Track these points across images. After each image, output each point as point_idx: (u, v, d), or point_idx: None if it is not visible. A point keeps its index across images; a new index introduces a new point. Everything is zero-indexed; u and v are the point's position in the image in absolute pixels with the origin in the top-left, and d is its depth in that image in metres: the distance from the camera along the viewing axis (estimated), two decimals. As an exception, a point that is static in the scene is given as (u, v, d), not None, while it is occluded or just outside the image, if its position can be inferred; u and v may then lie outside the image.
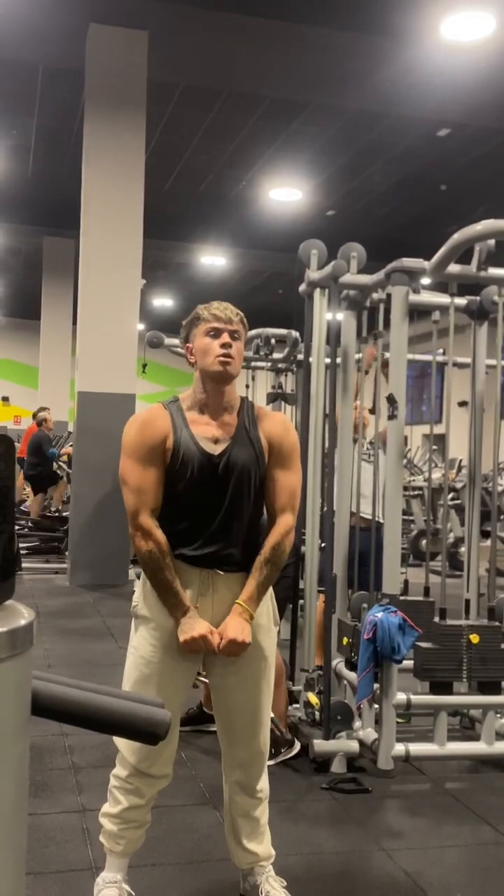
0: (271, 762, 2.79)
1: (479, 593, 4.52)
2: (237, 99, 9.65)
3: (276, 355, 7.09)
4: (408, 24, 7.83)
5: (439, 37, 7.90)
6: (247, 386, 7.30)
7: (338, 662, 4.27)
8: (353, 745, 3.86)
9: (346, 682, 4.26)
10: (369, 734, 3.86)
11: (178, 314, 19.79)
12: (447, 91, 8.92)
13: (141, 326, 9.38)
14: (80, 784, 3.65)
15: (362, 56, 8.57)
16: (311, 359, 4.52)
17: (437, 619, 3.97)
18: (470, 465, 4.58)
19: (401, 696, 3.84)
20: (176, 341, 7.36)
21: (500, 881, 3.03)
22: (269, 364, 7.22)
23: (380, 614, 3.70)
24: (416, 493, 11.74)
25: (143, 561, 2.51)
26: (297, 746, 3.99)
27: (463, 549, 5.28)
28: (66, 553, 9.29)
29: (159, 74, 8.64)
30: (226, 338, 2.55)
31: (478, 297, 4.49)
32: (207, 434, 2.55)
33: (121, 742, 2.55)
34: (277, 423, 2.65)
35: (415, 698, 3.91)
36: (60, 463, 12.47)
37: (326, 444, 4.36)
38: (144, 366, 8.96)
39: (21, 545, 10.14)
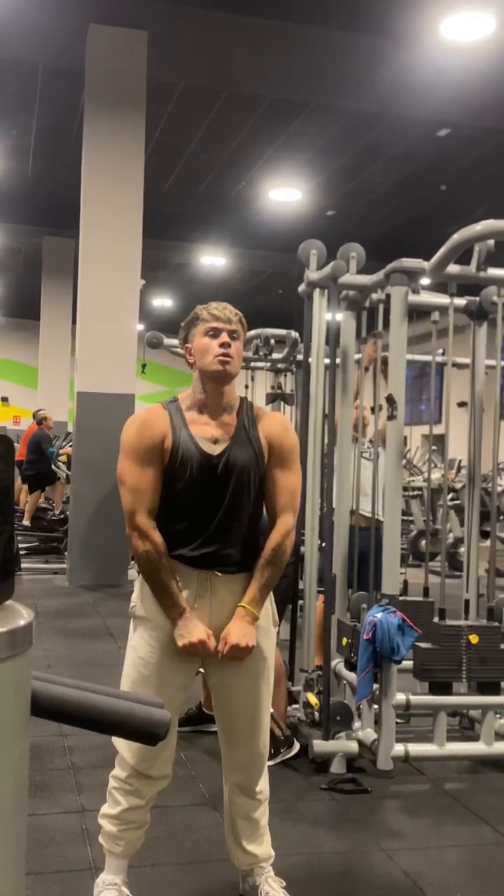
0: (271, 762, 2.79)
1: (479, 594, 4.52)
2: (237, 99, 9.65)
3: (275, 355, 7.09)
4: (407, 24, 7.83)
5: (439, 37, 7.90)
6: (246, 386, 7.30)
7: (337, 663, 4.27)
8: (353, 746, 3.86)
9: (345, 682, 4.26)
10: (369, 734, 3.86)
11: (177, 314, 19.80)
12: (447, 91, 8.92)
13: (140, 327, 9.38)
14: (79, 784, 3.65)
15: (362, 56, 8.57)
16: (310, 359, 4.53)
17: (436, 619, 3.97)
18: (469, 465, 4.58)
19: (400, 697, 3.84)
20: (175, 341, 7.35)
21: (499, 881, 3.03)
22: (269, 364, 7.22)
23: (379, 615, 3.70)
24: (415, 493, 11.74)
25: (140, 561, 2.51)
26: (297, 747, 3.99)
27: (462, 550, 5.28)
28: (66, 553, 9.29)
29: (159, 74, 8.65)
30: (225, 337, 2.55)
31: (477, 298, 4.49)
32: (206, 434, 2.54)
33: (120, 743, 2.55)
34: (277, 424, 2.65)
35: (414, 699, 3.91)
36: (59, 463, 12.47)
37: (326, 445, 4.36)
38: (144, 366, 8.97)
39: (20, 545, 10.14)
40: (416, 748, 3.84)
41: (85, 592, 8.13)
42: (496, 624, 4.00)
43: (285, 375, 7.33)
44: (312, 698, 4.07)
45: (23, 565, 9.33)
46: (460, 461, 13.40)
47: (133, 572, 8.33)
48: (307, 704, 4.10)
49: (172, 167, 11.88)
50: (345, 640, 4.12)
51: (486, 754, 3.96)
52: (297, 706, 4.24)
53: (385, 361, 4.14)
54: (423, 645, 3.86)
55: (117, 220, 8.53)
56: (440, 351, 5.49)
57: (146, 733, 1.16)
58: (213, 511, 2.52)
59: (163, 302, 20.79)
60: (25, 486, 12.59)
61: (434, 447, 12.51)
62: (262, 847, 2.71)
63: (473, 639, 3.85)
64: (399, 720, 3.99)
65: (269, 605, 2.64)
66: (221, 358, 2.52)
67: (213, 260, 16.10)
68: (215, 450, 2.53)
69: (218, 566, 2.53)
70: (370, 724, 3.89)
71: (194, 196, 13.09)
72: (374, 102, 9.38)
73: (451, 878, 3.02)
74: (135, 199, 8.57)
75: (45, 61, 9.00)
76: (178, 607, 2.47)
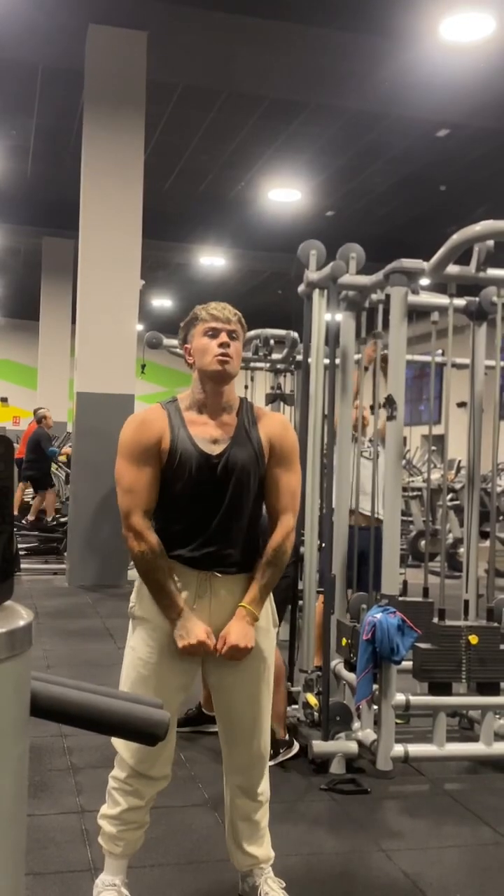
0: (270, 762, 2.79)
1: (478, 594, 4.52)
2: (237, 99, 9.65)
3: (275, 356, 7.09)
4: (407, 24, 7.84)
5: (439, 37, 7.90)
6: (246, 387, 7.30)
7: (337, 663, 4.27)
8: (352, 746, 3.86)
9: (345, 682, 4.26)
10: (368, 735, 3.86)
11: (177, 315, 19.79)
12: (447, 91, 8.93)
13: (140, 327, 9.38)
14: (79, 785, 3.65)
15: (362, 56, 8.58)
16: (310, 359, 4.53)
17: (436, 619, 3.97)
18: (469, 465, 4.58)
19: (400, 697, 3.84)
20: (175, 342, 7.36)
21: (499, 882, 3.03)
22: (268, 365, 7.22)
23: (379, 615, 3.70)
24: (414, 493, 11.75)
25: (136, 561, 2.51)
26: (296, 747, 3.99)
27: (462, 550, 5.28)
28: (65, 554, 9.29)
29: (159, 75, 8.65)
30: (224, 337, 2.54)
31: (477, 298, 4.49)
32: (206, 434, 2.54)
33: (119, 744, 2.54)
34: (277, 424, 2.65)
35: (414, 699, 3.91)
36: (59, 463, 12.47)
37: (325, 445, 4.36)
38: (143, 366, 8.96)
39: (20, 546, 10.14)
40: (415, 749, 3.84)
41: (84, 593, 8.13)
42: (496, 624, 4.00)
43: (285, 376, 7.33)
44: (312, 699, 4.07)
45: (22, 566, 9.33)
46: (460, 461, 13.42)
47: (132, 573, 8.32)
48: (307, 705, 4.10)
49: (172, 167, 11.88)
50: (344, 641, 4.12)
51: (485, 755, 3.96)
52: (296, 706, 4.24)
53: (385, 359, 4.14)
54: (422, 645, 3.86)
55: (117, 220, 8.53)
56: (440, 351, 5.49)
57: (145, 734, 1.16)
58: (212, 511, 2.52)
59: (162, 302, 20.80)
60: (21, 485, 12.59)
61: (433, 447, 12.51)
62: (263, 848, 2.71)
63: (473, 639, 3.85)
64: (398, 721, 3.99)
65: (269, 605, 2.64)
66: (220, 358, 2.52)
67: (212, 260, 16.10)
68: (215, 450, 2.52)
69: (217, 567, 2.53)
70: (370, 724, 3.89)
71: (194, 196, 13.10)
72: (374, 103, 9.38)
73: (451, 879, 3.02)
74: (134, 200, 8.57)
75: (44, 61, 9.00)
76: (175, 607, 2.47)
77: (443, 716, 3.86)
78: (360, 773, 3.84)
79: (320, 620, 4.32)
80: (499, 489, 9.28)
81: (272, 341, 6.91)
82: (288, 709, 4.18)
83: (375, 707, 3.85)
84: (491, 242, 3.90)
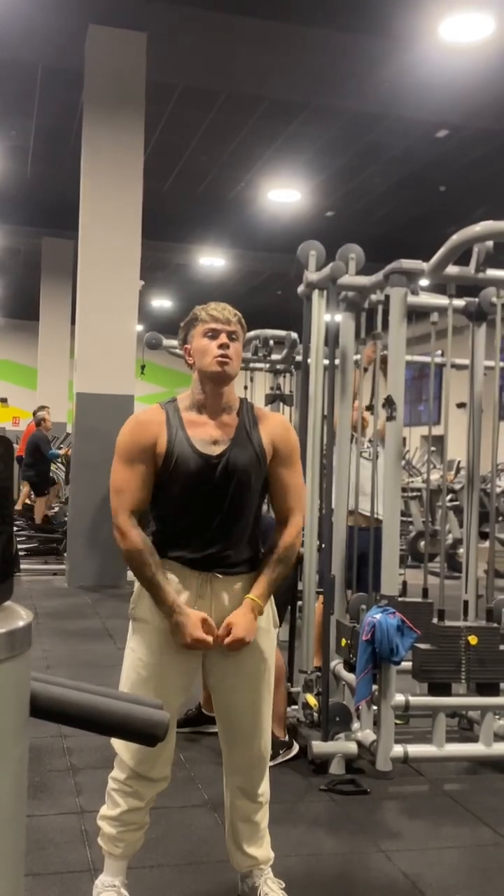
0: (270, 763, 2.79)
1: (478, 595, 4.52)
2: (236, 100, 9.65)
3: (274, 356, 7.09)
4: (407, 25, 7.84)
5: (438, 38, 7.91)
6: (245, 387, 7.30)
7: (336, 664, 4.27)
8: (352, 747, 3.86)
9: (344, 683, 4.26)
10: (368, 735, 3.86)
11: (176, 315, 19.77)
12: (446, 92, 8.93)
13: (140, 327, 9.38)
14: (78, 785, 3.65)
15: (361, 57, 8.58)
16: (309, 360, 4.53)
17: (435, 620, 3.97)
18: (468, 466, 4.58)
19: (399, 698, 3.83)
20: (174, 342, 7.36)
21: (499, 882, 3.03)
22: (268, 365, 7.22)
23: (378, 615, 3.70)
24: (414, 494, 11.75)
25: (125, 560, 2.53)
26: (296, 748, 3.99)
27: (461, 551, 5.28)
28: (65, 554, 9.29)
29: (158, 75, 8.65)
30: (223, 338, 2.54)
31: (476, 299, 4.49)
32: (205, 435, 2.54)
33: (118, 745, 2.54)
34: (278, 425, 2.65)
35: (413, 700, 3.91)
36: (59, 464, 12.46)
37: (325, 446, 4.36)
38: (143, 367, 8.96)
39: (19, 546, 10.14)
40: (415, 749, 3.84)
41: (84, 593, 8.13)
42: (495, 625, 4.00)
43: (284, 376, 7.33)
44: (311, 699, 4.07)
45: (22, 566, 9.33)
46: (459, 462, 13.42)
47: (132, 573, 8.33)
48: (306, 705, 4.10)
49: (171, 168, 11.88)
50: (344, 641, 4.12)
51: (485, 755, 3.96)
52: (296, 707, 4.24)
53: (384, 360, 4.14)
54: (422, 646, 3.86)
55: (116, 220, 8.53)
56: (439, 352, 5.49)
57: (145, 734, 1.16)
58: (212, 512, 2.52)
59: (162, 303, 20.80)
60: (25, 489, 12.60)
61: (433, 448, 12.51)
62: (262, 849, 2.71)
63: (472, 640, 3.85)
64: (398, 721, 3.98)
65: (270, 606, 2.64)
66: (220, 359, 2.52)
67: (212, 261, 16.10)
68: (214, 451, 2.52)
69: (218, 568, 2.53)
70: (369, 725, 3.89)
71: (193, 197, 13.10)
72: (374, 103, 9.39)
73: (451, 879, 3.02)
74: (134, 200, 8.57)
75: (44, 62, 9.00)
76: (167, 601, 2.46)
77: (442, 716, 3.86)
78: (359, 773, 3.84)
79: (320, 621, 4.32)
80: (498, 490, 9.29)
81: (272, 342, 6.91)
82: (288, 709, 4.18)
83: (375, 707, 3.85)
84: (490, 243, 3.90)
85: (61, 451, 12.38)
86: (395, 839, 3.29)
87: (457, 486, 10.95)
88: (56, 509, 12.46)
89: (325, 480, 4.37)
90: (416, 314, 4.23)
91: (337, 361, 4.35)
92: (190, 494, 2.51)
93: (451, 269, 3.95)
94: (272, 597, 2.65)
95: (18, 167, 12.24)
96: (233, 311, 2.60)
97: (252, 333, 6.72)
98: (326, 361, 4.34)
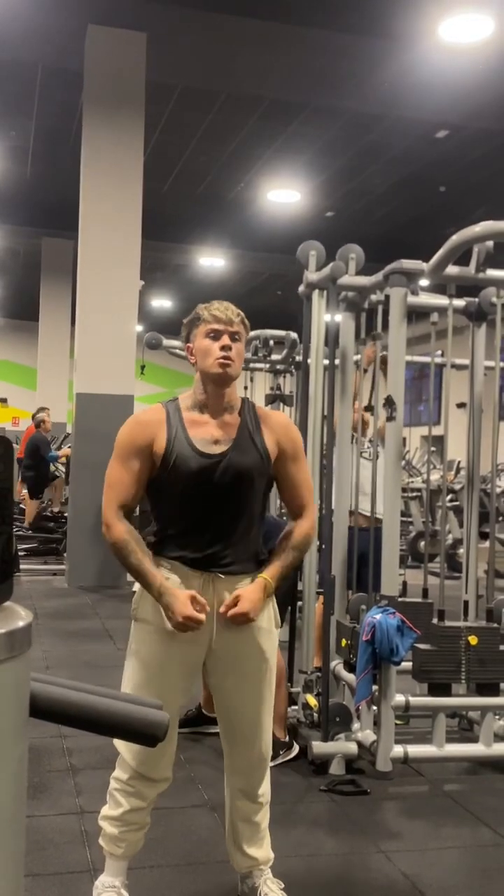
0: (270, 765, 2.79)
1: (478, 595, 4.52)
2: (236, 100, 9.66)
3: (274, 357, 7.10)
4: (406, 26, 7.84)
5: (438, 39, 7.91)
6: (245, 387, 7.31)
7: (336, 664, 4.27)
8: (352, 747, 3.86)
9: (344, 683, 4.26)
10: (368, 736, 3.85)
11: (176, 315, 19.76)
12: (446, 93, 8.93)
13: (139, 328, 9.38)
14: (78, 786, 3.65)
15: (361, 58, 8.58)
16: (309, 360, 4.52)
17: (435, 620, 3.97)
18: (468, 466, 4.57)
19: (399, 698, 3.83)
20: (174, 343, 7.37)
21: (499, 883, 3.03)
22: (268, 365, 7.23)
23: (378, 616, 3.70)
24: (414, 494, 11.75)
25: (112, 551, 2.54)
26: (296, 749, 3.99)
27: (461, 551, 5.28)
28: (65, 555, 9.29)
29: (158, 76, 8.65)
30: (226, 340, 2.54)
31: (476, 299, 4.49)
32: (206, 435, 2.54)
33: (121, 745, 2.54)
34: (281, 423, 2.67)
35: (413, 700, 3.90)
36: (59, 465, 12.46)
37: (325, 446, 4.36)
38: (143, 367, 8.97)
39: (19, 547, 10.13)
40: (415, 749, 3.84)
41: (84, 594, 8.13)
42: (495, 625, 3.99)
43: (284, 377, 7.33)
44: (311, 700, 4.07)
45: (22, 566, 9.32)
46: (459, 462, 13.42)
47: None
48: (306, 706, 4.10)
49: (171, 168, 11.88)
50: (344, 642, 4.12)
51: (485, 756, 3.96)
52: (296, 707, 4.24)
53: (384, 360, 4.14)
54: (422, 646, 3.85)
55: (116, 221, 8.53)
56: (439, 352, 5.49)
57: (144, 735, 1.16)
58: (213, 512, 2.51)
59: (162, 303, 20.80)
60: (24, 489, 12.58)
61: (433, 448, 12.50)
62: (262, 850, 2.71)
63: (472, 640, 3.84)
64: (398, 721, 3.98)
65: (272, 606, 2.63)
66: (222, 361, 2.52)
67: (212, 261, 16.11)
68: (216, 450, 2.52)
69: (220, 568, 2.52)
70: (369, 725, 3.89)
71: (193, 197, 13.10)
72: (374, 104, 9.39)
73: (450, 880, 3.02)
74: (134, 201, 8.57)
75: (44, 62, 9.01)
76: (155, 585, 2.46)
77: (442, 717, 3.86)
78: (359, 774, 3.84)
79: (320, 621, 4.32)
80: (498, 490, 9.28)
81: (272, 342, 6.91)
82: (288, 710, 4.18)
83: (375, 708, 3.84)
84: (490, 243, 3.90)
85: (61, 453, 12.38)
86: (395, 840, 3.29)
87: (457, 487, 10.95)
88: (57, 509, 12.46)
89: (326, 481, 4.37)
90: (416, 314, 4.22)
91: (337, 362, 4.34)
92: (191, 494, 2.51)
93: (451, 270, 3.95)
94: (274, 597, 2.64)
95: (18, 167, 12.24)
96: (235, 311, 2.59)
97: (252, 334, 6.71)
98: (326, 362, 4.34)
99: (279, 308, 16.32)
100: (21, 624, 1.00)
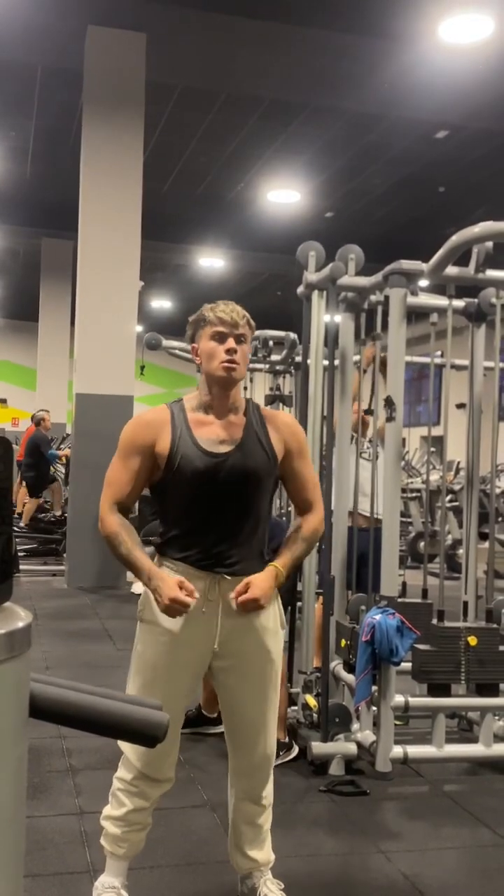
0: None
1: (478, 595, 4.52)
2: (235, 100, 9.66)
3: (274, 357, 7.09)
4: (406, 26, 7.84)
5: (438, 39, 7.91)
6: (245, 388, 7.30)
7: (336, 664, 4.27)
8: (352, 748, 3.86)
9: (344, 684, 4.26)
10: (367, 736, 3.85)
11: (176, 316, 19.82)
12: (446, 93, 8.93)
13: (139, 328, 9.38)
14: (78, 786, 3.65)
15: (361, 58, 8.58)
16: (309, 361, 4.52)
17: (435, 621, 3.97)
18: (468, 467, 4.57)
19: (399, 699, 3.83)
20: (174, 343, 7.37)
21: (498, 883, 3.03)
22: (267, 366, 7.22)
23: (378, 616, 3.69)
24: (413, 495, 11.74)
25: (106, 543, 2.53)
26: (296, 749, 3.99)
27: (461, 552, 5.28)
28: (64, 555, 9.29)
29: (158, 76, 8.65)
30: (231, 342, 2.53)
31: (476, 300, 4.49)
32: (212, 435, 2.54)
33: (126, 745, 2.53)
34: (287, 422, 2.67)
35: (413, 700, 3.91)
36: (59, 465, 12.45)
37: (325, 447, 4.36)
38: (143, 368, 8.96)
39: (19, 547, 10.14)
40: (414, 750, 3.84)
41: (83, 594, 8.13)
42: (495, 626, 3.99)
43: (284, 377, 7.32)
44: (311, 700, 4.07)
45: (21, 567, 9.32)
46: (459, 463, 13.41)
47: (132, 574, 8.32)
48: (306, 706, 4.10)
49: (171, 168, 11.88)
50: (343, 642, 4.12)
51: (484, 756, 3.96)
52: (295, 708, 4.24)
53: (384, 361, 4.14)
54: (421, 647, 3.85)
55: (116, 221, 8.53)
56: (439, 353, 5.49)
57: (144, 735, 1.16)
58: (219, 512, 2.51)
59: (161, 303, 20.80)
60: (24, 489, 12.59)
61: (433, 449, 12.48)
62: (263, 852, 2.71)
63: (472, 640, 3.84)
64: (398, 722, 3.98)
65: (278, 607, 2.63)
66: (227, 364, 2.52)
67: (211, 261, 16.11)
68: (221, 450, 2.52)
69: (226, 569, 2.51)
70: (369, 725, 3.89)
71: (193, 197, 13.10)
72: (373, 104, 9.39)
73: (450, 880, 3.02)
74: (133, 201, 8.57)
75: (43, 62, 9.01)
76: (144, 570, 2.45)
77: (442, 717, 3.86)
78: (359, 774, 3.84)
79: (320, 622, 4.32)
80: (498, 490, 9.29)
81: (271, 342, 6.91)
82: (288, 710, 4.18)
83: (374, 708, 3.84)
84: (490, 244, 3.90)
85: (60, 453, 12.38)
86: (395, 840, 3.29)
87: (456, 487, 10.94)
88: (59, 513, 12.45)
89: (325, 481, 4.37)
90: (415, 315, 4.22)
91: (336, 362, 4.34)
92: (197, 494, 2.51)
93: (451, 270, 3.95)
94: (279, 597, 2.64)
95: (18, 167, 12.24)
96: (241, 313, 2.58)
97: (252, 334, 6.72)
98: (326, 362, 4.34)
99: (279, 308, 16.30)
100: (21, 624, 1.01)
